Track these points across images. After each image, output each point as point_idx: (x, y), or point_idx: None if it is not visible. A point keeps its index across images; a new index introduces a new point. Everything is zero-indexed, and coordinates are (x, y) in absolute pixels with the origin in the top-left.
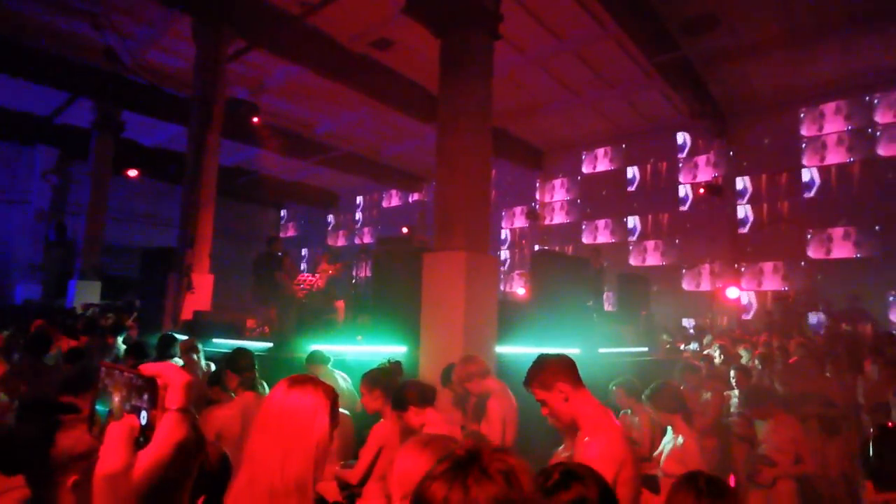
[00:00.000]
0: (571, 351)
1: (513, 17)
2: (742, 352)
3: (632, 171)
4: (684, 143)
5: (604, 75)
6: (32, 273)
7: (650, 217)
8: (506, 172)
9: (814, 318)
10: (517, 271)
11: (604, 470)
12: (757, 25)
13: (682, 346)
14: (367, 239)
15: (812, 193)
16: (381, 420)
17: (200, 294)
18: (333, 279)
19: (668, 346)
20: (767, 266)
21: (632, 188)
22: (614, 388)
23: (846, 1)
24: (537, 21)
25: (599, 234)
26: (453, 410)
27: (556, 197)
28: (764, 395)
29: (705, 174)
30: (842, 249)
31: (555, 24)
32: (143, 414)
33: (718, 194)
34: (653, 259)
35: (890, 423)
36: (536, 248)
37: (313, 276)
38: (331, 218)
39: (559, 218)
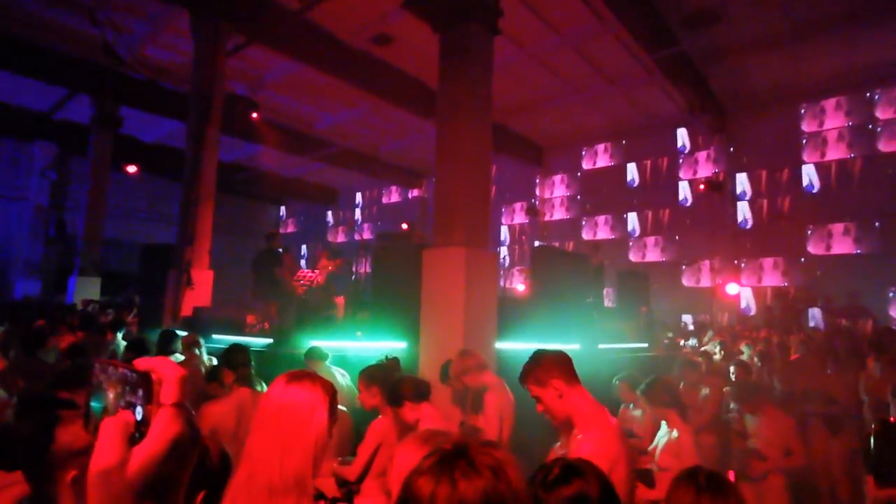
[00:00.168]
0: (571, 347)
1: (512, 12)
2: (744, 348)
3: (632, 168)
4: (684, 139)
5: (604, 71)
6: (32, 270)
7: (650, 213)
8: (505, 168)
9: (813, 314)
10: (517, 267)
11: None
12: (757, 21)
13: (681, 343)
14: (367, 235)
15: (812, 189)
16: (379, 416)
17: (200, 290)
18: (333, 275)
19: (667, 342)
20: (767, 262)
21: (632, 184)
22: (618, 382)
23: None
24: (537, 16)
25: (599, 230)
26: (453, 407)
27: (555, 193)
28: (754, 390)
29: (705, 170)
30: (842, 245)
31: (554, 20)
32: (138, 409)
33: (718, 190)
34: (653, 255)
35: (892, 418)
36: (536, 244)
37: (313, 272)
38: (330, 214)
39: (559, 214)
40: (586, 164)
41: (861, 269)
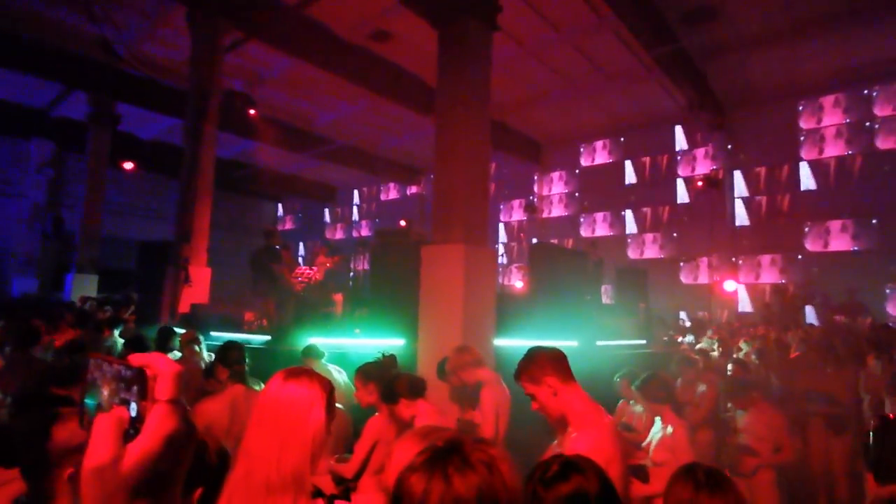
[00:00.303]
0: (569, 343)
1: (511, 9)
2: (743, 344)
3: (630, 165)
4: (683, 136)
5: (602, 68)
6: (29, 267)
7: (648, 210)
8: (504, 165)
9: (810, 311)
10: (515, 264)
11: None
12: (756, 18)
13: (679, 339)
14: (365, 232)
15: (810, 186)
16: (376, 414)
17: (198, 287)
18: (331, 272)
19: (666, 339)
20: (765, 259)
21: (630, 181)
22: (619, 379)
23: None
24: (536, 12)
25: (598, 227)
26: (450, 404)
27: (554, 190)
28: (744, 386)
29: (703, 167)
30: (839, 242)
31: (553, 16)
32: (133, 406)
33: (717, 187)
34: (651, 252)
35: (891, 415)
36: (534, 241)
37: (311, 269)
38: (328, 211)
39: (557, 211)
40: (585, 161)
41: (859, 265)
